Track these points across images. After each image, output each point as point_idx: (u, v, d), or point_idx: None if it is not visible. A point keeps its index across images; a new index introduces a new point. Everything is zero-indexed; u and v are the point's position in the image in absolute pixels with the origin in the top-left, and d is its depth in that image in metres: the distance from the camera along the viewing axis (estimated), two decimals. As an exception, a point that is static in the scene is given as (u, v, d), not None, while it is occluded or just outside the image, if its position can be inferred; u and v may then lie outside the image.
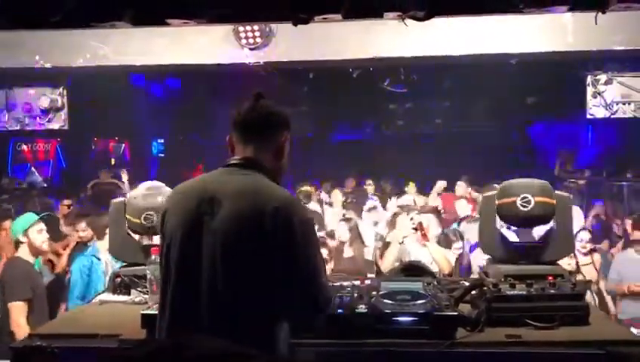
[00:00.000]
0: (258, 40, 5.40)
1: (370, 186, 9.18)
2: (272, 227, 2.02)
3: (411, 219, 4.94)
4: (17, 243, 4.61)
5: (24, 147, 12.87)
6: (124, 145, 16.26)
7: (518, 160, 11.39)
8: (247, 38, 5.37)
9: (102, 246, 5.18)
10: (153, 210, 3.27)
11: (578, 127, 11.77)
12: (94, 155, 15.27)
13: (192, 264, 2.08)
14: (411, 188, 8.32)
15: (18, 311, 4.25)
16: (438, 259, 4.52)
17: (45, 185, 12.38)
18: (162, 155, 16.73)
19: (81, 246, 5.53)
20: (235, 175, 2.16)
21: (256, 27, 5.30)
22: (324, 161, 11.35)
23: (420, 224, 4.66)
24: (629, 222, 6.54)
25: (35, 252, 4.67)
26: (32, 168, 12.92)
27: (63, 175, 13.28)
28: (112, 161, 15.45)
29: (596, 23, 2.78)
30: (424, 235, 4.62)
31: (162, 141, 17.21)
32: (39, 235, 4.65)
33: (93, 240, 5.34)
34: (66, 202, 8.14)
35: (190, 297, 2.08)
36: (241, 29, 5.34)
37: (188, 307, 2.09)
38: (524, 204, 2.99)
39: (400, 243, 4.94)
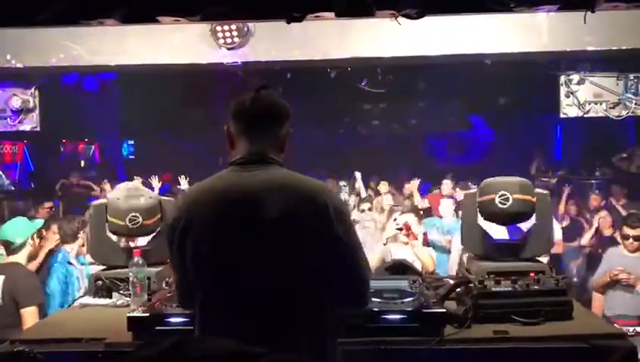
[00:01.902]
0: (236, 40, 5.36)
1: (344, 186, 9.15)
2: (322, 218, 1.95)
3: (394, 219, 4.95)
4: (14, 249, 4.41)
5: (-11, 149, 12.60)
6: (93, 146, 16.02)
7: (495, 159, 11.55)
8: (224, 37, 5.33)
9: (71, 251, 5.08)
10: (138, 212, 3.23)
11: (552, 126, 11.99)
12: (63, 158, 15.01)
13: (235, 267, 1.97)
14: (383, 187, 8.33)
15: (32, 317, 4.14)
16: (423, 257, 4.52)
17: (13, 188, 12.12)
18: (132, 157, 16.52)
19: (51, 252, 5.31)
20: (256, 171, 2.03)
21: (234, 26, 5.26)
22: (300, 160, 11.33)
23: (406, 224, 4.63)
24: (607, 219, 6.77)
25: (33, 256, 4.56)
26: (-1, 171, 12.65)
27: (31, 178, 13.01)
28: (82, 163, 15.22)
29: (585, 22, 2.84)
30: (411, 234, 4.59)
31: (133, 143, 17.00)
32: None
33: (59, 245, 5.23)
34: (47, 205, 7.83)
35: (234, 300, 1.97)
36: (218, 28, 5.30)
37: (232, 309, 1.97)
38: (503, 202, 3.04)
39: (384, 245, 4.95)
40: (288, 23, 2.34)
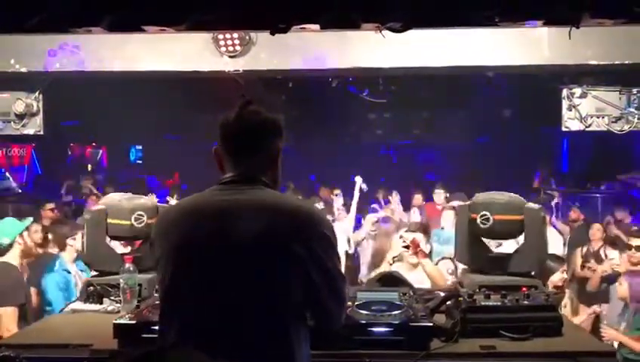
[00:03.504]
0: (237, 48, 5.38)
1: (337, 196, 9.05)
2: (299, 242, 1.90)
3: (400, 237, 4.70)
4: (4, 248, 4.53)
5: (-2, 152, 12.70)
6: (101, 150, 16.12)
7: (495, 172, 11.51)
8: (226, 45, 5.35)
9: (67, 257, 5.08)
10: (142, 210, 3.26)
11: (555, 139, 11.96)
12: (70, 161, 15.11)
13: (208, 284, 1.92)
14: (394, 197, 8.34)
15: (9, 317, 4.17)
16: (433, 274, 4.27)
17: (20, 190, 12.20)
18: (140, 161, 16.62)
19: (47, 258, 5.21)
20: (240, 190, 1.98)
21: (235, 35, 5.29)
22: (300, 168, 11.36)
23: (414, 241, 4.32)
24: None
25: (27, 254, 4.64)
26: (7, 173, 12.74)
27: (38, 181, 13.09)
28: (89, 167, 15.31)
29: (570, 38, 2.84)
30: (420, 251, 4.29)
31: (140, 147, 17.09)
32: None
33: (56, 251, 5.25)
34: (49, 206, 7.75)
35: (206, 317, 1.92)
36: (220, 36, 5.33)
37: (205, 325, 1.93)
38: (484, 222, 3.05)
39: (390, 264, 4.64)
40: (272, 34, 2.35)
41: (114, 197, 3.45)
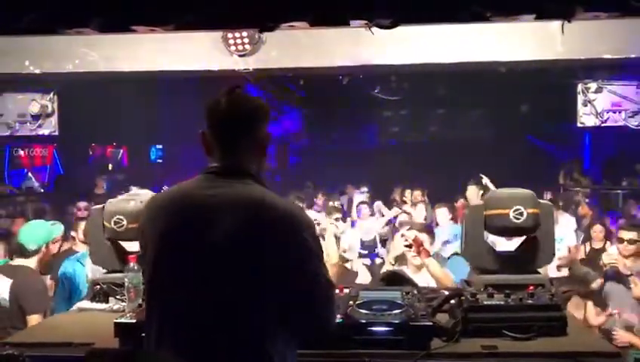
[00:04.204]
0: (247, 47, 5.38)
1: (334, 207, 8.92)
2: (282, 241, 1.87)
3: (402, 235, 4.47)
4: (26, 253, 4.42)
5: (21, 152, 12.88)
6: (122, 150, 16.27)
7: (515, 169, 11.37)
8: (235, 44, 5.36)
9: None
10: (123, 215, 3.25)
11: (580, 135, 11.76)
12: (91, 161, 15.27)
13: (183, 280, 1.90)
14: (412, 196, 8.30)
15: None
16: (438, 275, 4.08)
17: (42, 190, 12.39)
18: (161, 161, 16.73)
19: (70, 252, 5.37)
20: (223, 182, 1.95)
21: (244, 33, 5.29)
22: (312, 167, 11.32)
23: (416, 239, 4.09)
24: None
25: (43, 262, 4.53)
26: (29, 173, 12.94)
27: (59, 181, 13.27)
28: (110, 167, 15.48)
29: (563, 33, 2.78)
30: (424, 250, 4.05)
31: (161, 147, 17.20)
32: (55, 245, 4.58)
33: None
34: (82, 205, 7.71)
35: (182, 311, 1.91)
36: (229, 35, 5.34)
37: (179, 321, 1.92)
38: (517, 216, 2.97)
39: (392, 265, 4.49)
40: (261, 32, 2.34)
41: (120, 196, 3.47)
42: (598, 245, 6.88)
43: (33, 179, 12.96)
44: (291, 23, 2.34)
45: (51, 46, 5.65)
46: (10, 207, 9.89)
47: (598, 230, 6.98)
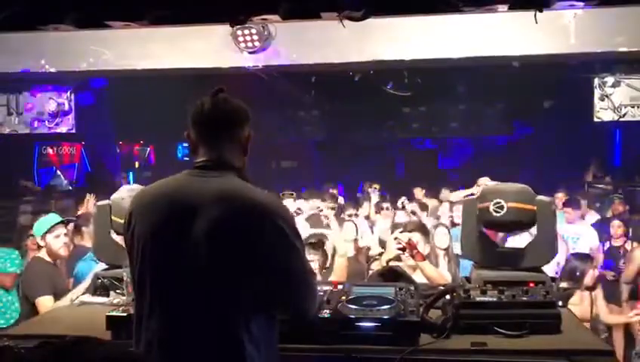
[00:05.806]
0: (257, 43, 5.37)
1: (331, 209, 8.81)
2: (258, 231, 1.95)
3: (395, 238, 4.39)
4: (39, 245, 4.71)
5: (49, 150, 13.12)
6: (149, 148, 16.48)
7: (533, 164, 11.20)
8: (245, 41, 5.35)
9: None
10: None
11: (608, 130, 11.50)
12: (119, 159, 15.49)
13: (169, 272, 1.99)
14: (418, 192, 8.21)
15: (44, 306, 4.26)
16: (434, 277, 4.05)
17: (70, 188, 12.61)
18: (187, 159, 16.89)
19: (83, 250, 5.38)
20: (208, 178, 2.06)
21: (254, 30, 5.27)
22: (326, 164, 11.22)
23: (410, 242, 4.05)
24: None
25: (54, 256, 4.68)
26: (58, 171, 13.18)
27: (88, 178, 13.48)
28: (137, 165, 15.69)
29: (536, 22, 2.70)
30: (417, 254, 3.99)
31: (187, 145, 17.32)
32: (56, 240, 4.65)
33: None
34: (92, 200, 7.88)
35: (167, 300, 2.00)
36: (239, 32, 5.32)
37: (164, 311, 2.00)
38: (497, 210, 2.93)
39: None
40: (232, 26, 2.34)
41: (121, 193, 3.51)
42: (617, 242, 6.69)
43: (62, 177, 13.19)
44: (263, 17, 2.34)
45: (66, 45, 5.72)
46: (36, 206, 10.07)
47: (616, 225, 6.70)
